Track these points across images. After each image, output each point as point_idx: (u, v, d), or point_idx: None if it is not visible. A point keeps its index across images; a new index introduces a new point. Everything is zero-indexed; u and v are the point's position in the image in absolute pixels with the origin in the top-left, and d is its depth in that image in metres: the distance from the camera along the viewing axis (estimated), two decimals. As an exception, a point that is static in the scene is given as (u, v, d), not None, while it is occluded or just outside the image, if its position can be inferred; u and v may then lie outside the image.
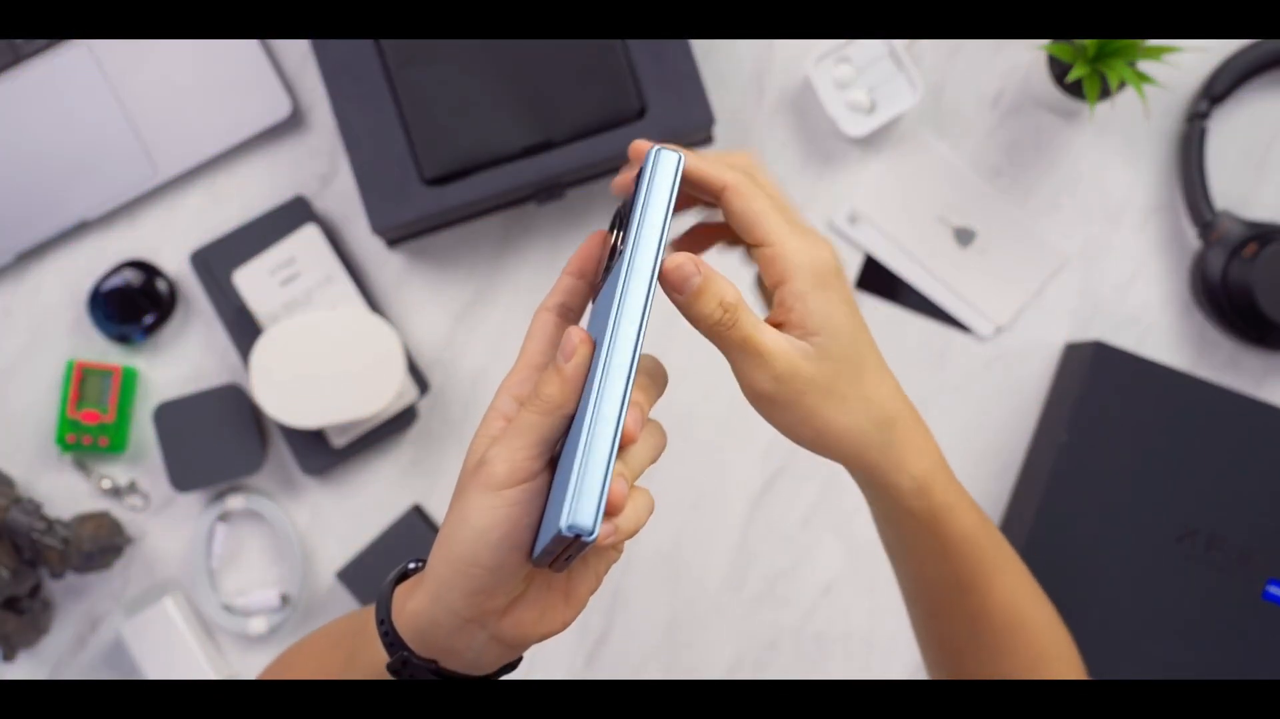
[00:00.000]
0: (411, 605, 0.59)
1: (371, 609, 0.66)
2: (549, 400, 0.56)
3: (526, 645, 0.59)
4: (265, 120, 1.01)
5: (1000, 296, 1.03)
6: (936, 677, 0.76)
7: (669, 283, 0.59)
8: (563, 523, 0.51)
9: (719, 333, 0.59)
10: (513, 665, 0.63)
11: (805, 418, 0.61)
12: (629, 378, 0.54)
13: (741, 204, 0.61)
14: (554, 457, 0.57)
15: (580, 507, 0.51)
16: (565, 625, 0.60)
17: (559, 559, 0.55)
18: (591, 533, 0.51)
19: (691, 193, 0.63)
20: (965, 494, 0.67)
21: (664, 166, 0.57)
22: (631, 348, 0.54)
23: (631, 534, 0.55)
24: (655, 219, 0.56)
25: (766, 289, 0.63)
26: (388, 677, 0.63)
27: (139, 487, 1.03)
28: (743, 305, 0.59)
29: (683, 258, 0.59)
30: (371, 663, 0.63)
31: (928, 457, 0.64)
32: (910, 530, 0.66)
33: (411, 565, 0.64)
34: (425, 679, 0.61)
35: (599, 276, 0.62)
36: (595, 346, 0.56)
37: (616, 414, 0.53)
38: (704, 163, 0.61)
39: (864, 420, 0.62)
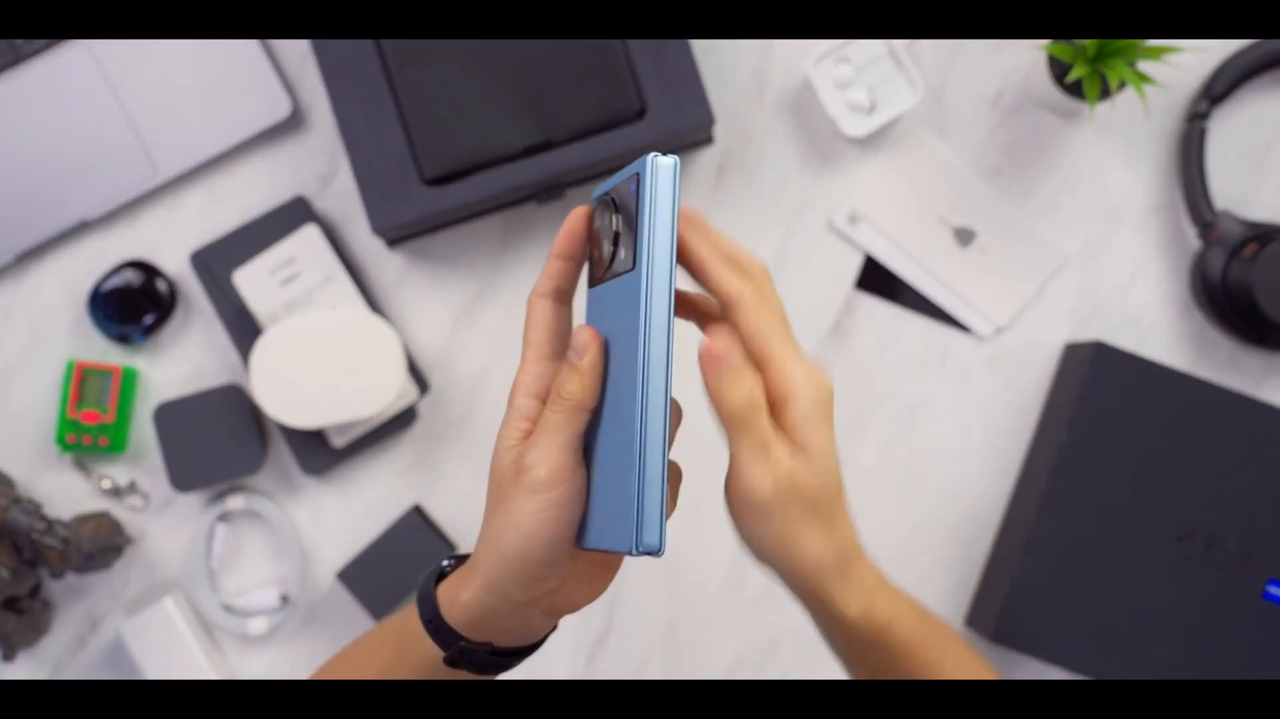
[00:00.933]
0: (465, 598, 0.62)
1: (404, 615, 0.68)
2: (571, 398, 0.58)
3: (575, 611, 0.64)
4: (265, 120, 1.01)
5: (1000, 296, 1.03)
6: None
7: (705, 361, 0.59)
8: (635, 545, 0.56)
9: (742, 419, 0.59)
10: (554, 627, 0.67)
11: (781, 533, 0.62)
12: (667, 400, 0.56)
13: (754, 320, 0.61)
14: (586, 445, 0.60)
15: (647, 530, 0.56)
16: (606, 588, 0.65)
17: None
18: (660, 551, 0.55)
19: (697, 299, 0.64)
20: (900, 596, 0.69)
21: (663, 174, 0.57)
22: (663, 378, 0.56)
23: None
24: (664, 234, 0.56)
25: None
26: (437, 672, 0.66)
27: (139, 487, 1.03)
28: (765, 401, 0.60)
29: (724, 340, 0.59)
30: (420, 660, 0.66)
31: (870, 587, 0.66)
32: (856, 647, 0.69)
33: (446, 564, 0.67)
34: (482, 662, 0.64)
35: (600, 260, 0.62)
36: (608, 342, 0.58)
37: (662, 436, 0.56)
38: (720, 271, 0.60)
39: (829, 552, 0.63)
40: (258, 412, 1.02)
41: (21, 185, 1.01)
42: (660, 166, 0.56)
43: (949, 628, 0.74)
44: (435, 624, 0.64)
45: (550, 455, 0.58)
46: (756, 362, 0.61)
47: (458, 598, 0.63)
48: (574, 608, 0.63)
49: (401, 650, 0.67)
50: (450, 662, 0.65)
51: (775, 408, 0.61)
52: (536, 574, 0.60)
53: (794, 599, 0.70)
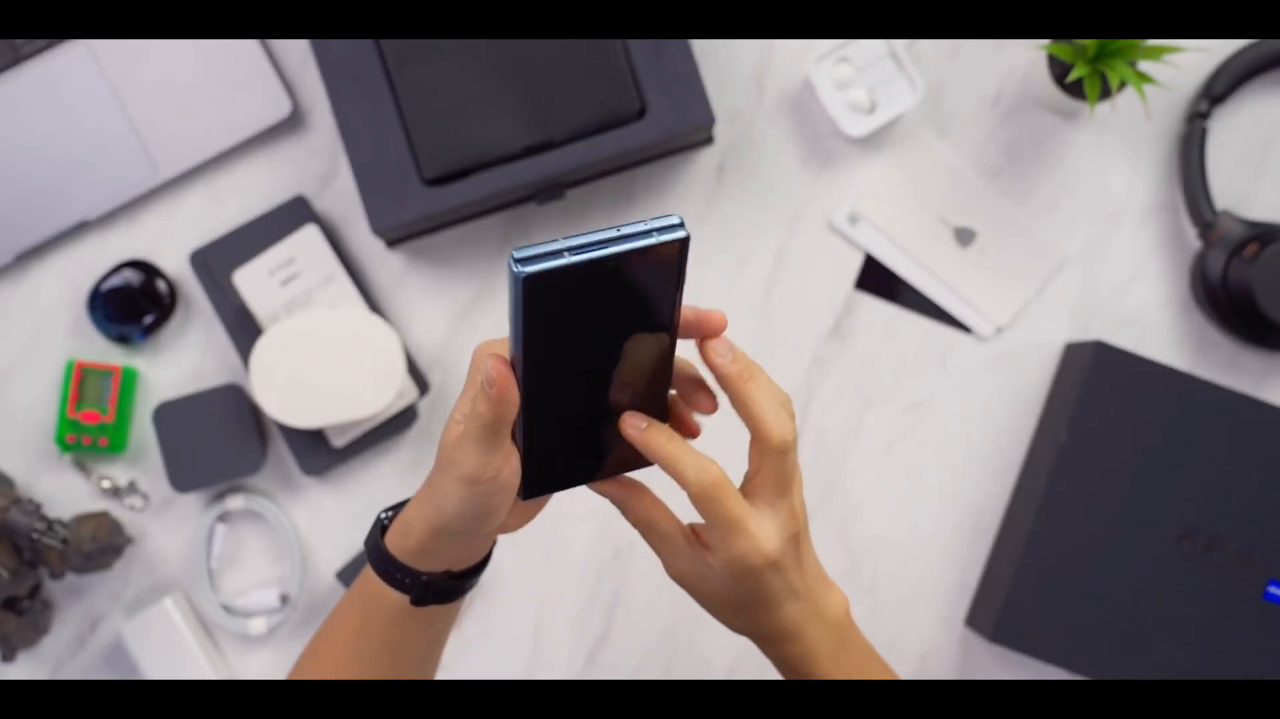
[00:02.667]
0: (412, 544, 0.68)
1: (360, 581, 0.72)
2: (482, 419, 0.62)
3: (512, 532, 0.73)
4: (265, 120, 1.01)
5: (1000, 296, 1.03)
6: None
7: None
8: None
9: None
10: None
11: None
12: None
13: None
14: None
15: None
16: (539, 512, 0.77)
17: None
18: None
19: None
20: (854, 664, 0.71)
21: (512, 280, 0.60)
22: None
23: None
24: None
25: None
26: (406, 621, 0.70)
27: (139, 487, 1.03)
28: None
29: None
30: (387, 615, 0.70)
31: (821, 654, 0.70)
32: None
33: (385, 517, 0.71)
34: (445, 590, 0.69)
35: None
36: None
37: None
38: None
39: (745, 633, 0.70)
40: (258, 411, 1.02)
41: (21, 185, 1.01)
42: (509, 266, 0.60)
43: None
44: (392, 571, 0.68)
45: (472, 458, 0.63)
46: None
47: (406, 545, 0.68)
48: (511, 531, 0.71)
49: (367, 611, 0.70)
50: (418, 600, 0.69)
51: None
52: (473, 531, 0.66)
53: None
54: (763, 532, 0.65)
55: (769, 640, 0.69)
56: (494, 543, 0.72)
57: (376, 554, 0.69)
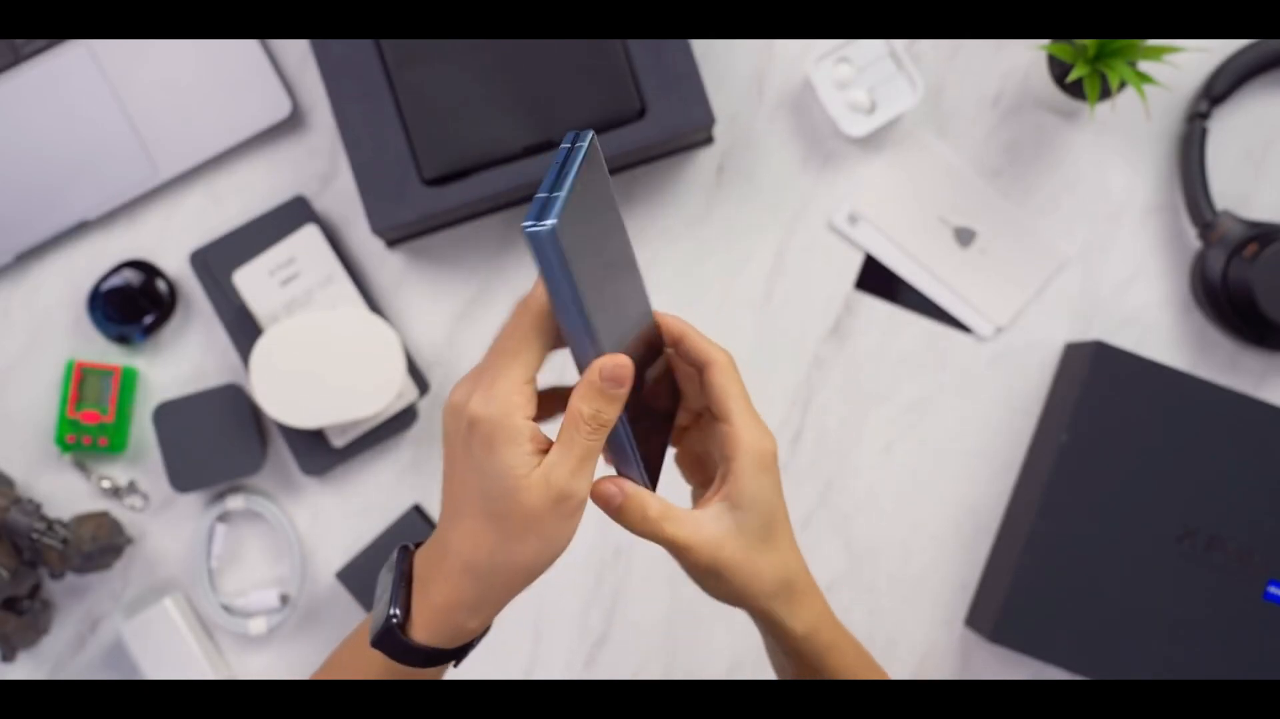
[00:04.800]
0: (466, 622, 0.66)
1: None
2: (607, 424, 0.62)
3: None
4: (265, 120, 1.01)
5: (1000, 296, 1.03)
6: None
7: (598, 501, 0.66)
8: None
9: (647, 536, 0.67)
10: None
11: (724, 584, 0.69)
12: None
13: (723, 381, 0.69)
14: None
15: None
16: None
17: None
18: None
19: (683, 358, 0.71)
20: (845, 633, 0.74)
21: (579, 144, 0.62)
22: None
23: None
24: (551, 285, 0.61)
25: (697, 462, 0.74)
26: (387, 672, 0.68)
27: (139, 487, 1.03)
28: (665, 515, 0.67)
29: (605, 482, 0.66)
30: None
31: (815, 608, 0.72)
32: (797, 664, 0.73)
33: (393, 614, 0.66)
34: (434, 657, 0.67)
35: None
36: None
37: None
38: (702, 339, 0.70)
39: (769, 583, 0.70)
40: (258, 411, 1.02)
41: (21, 185, 1.01)
42: (579, 134, 0.61)
43: (882, 669, 0.77)
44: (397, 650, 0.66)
45: (588, 478, 0.62)
46: (717, 415, 0.69)
47: (434, 622, 0.65)
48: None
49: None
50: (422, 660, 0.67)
51: (723, 461, 0.69)
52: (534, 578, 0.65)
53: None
54: (759, 425, 0.69)
55: (781, 592, 0.70)
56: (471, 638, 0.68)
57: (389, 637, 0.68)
